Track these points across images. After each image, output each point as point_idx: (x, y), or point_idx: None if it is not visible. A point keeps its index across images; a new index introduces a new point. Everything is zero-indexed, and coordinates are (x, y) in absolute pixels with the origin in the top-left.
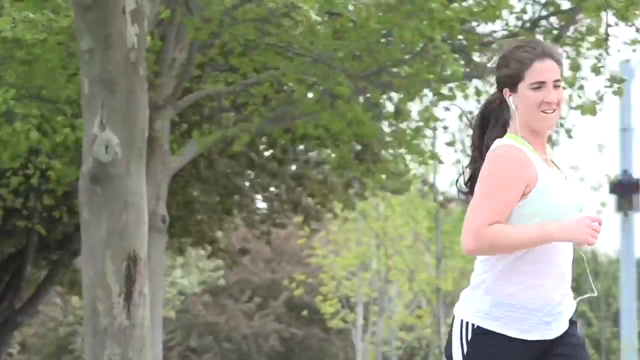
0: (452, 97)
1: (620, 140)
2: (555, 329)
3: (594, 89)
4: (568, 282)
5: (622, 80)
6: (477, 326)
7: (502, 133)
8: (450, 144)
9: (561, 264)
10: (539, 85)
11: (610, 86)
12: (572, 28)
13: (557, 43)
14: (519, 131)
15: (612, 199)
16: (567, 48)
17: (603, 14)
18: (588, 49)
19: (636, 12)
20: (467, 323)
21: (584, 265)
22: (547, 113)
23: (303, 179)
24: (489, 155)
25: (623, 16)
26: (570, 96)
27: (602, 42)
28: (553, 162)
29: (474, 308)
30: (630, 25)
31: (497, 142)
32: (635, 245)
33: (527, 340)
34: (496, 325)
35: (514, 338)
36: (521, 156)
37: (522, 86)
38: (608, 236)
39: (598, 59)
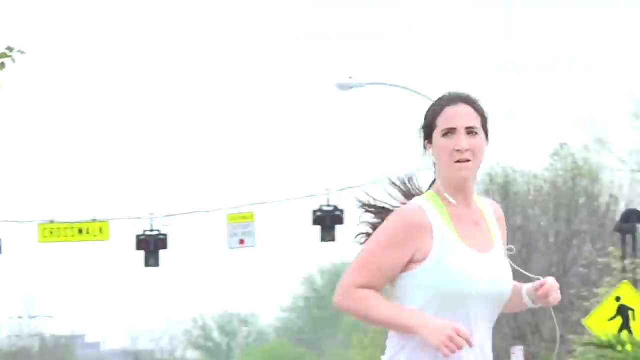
0: None
1: None
2: None
3: None
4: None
5: None
6: None
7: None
8: None
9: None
10: (449, 132)
11: None
12: None
13: None
14: (441, 186)
15: None
16: None
17: None
18: None
19: None
20: None
21: None
22: (460, 162)
23: None
24: (393, 212)
25: None
26: None
27: None
28: (485, 223)
29: None
30: None
31: (411, 201)
32: None
33: None
34: None
35: None
36: (417, 222)
37: (436, 135)
38: None
39: None
